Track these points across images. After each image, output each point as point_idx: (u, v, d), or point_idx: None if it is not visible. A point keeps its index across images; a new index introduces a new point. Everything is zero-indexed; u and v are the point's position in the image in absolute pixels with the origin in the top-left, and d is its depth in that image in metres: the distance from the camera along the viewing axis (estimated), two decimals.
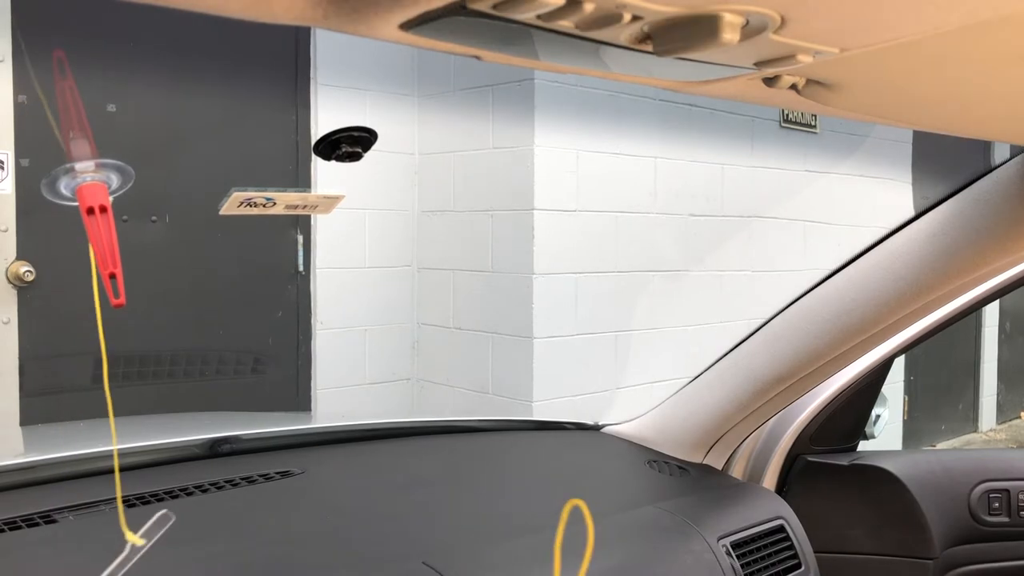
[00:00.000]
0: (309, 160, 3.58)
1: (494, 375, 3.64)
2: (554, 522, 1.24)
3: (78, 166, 0.67)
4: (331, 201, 0.90)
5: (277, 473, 1.27)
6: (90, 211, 0.67)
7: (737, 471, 1.59)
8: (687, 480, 1.49)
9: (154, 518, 0.74)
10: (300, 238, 3.61)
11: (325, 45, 3.54)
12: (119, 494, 0.76)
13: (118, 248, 0.67)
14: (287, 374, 3.64)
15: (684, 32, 0.43)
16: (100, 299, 0.67)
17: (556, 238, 3.51)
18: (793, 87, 0.55)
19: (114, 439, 0.79)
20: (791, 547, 1.39)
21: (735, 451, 1.58)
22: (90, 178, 0.67)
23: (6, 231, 2.94)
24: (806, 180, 4.50)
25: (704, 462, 1.57)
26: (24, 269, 2.96)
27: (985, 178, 1.14)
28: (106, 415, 0.73)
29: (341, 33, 0.43)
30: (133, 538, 0.70)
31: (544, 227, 3.47)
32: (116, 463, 0.78)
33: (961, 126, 0.79)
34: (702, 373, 1.55)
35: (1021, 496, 1.61)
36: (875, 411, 1.70)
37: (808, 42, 0.46)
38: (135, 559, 0.71)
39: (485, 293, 3.65)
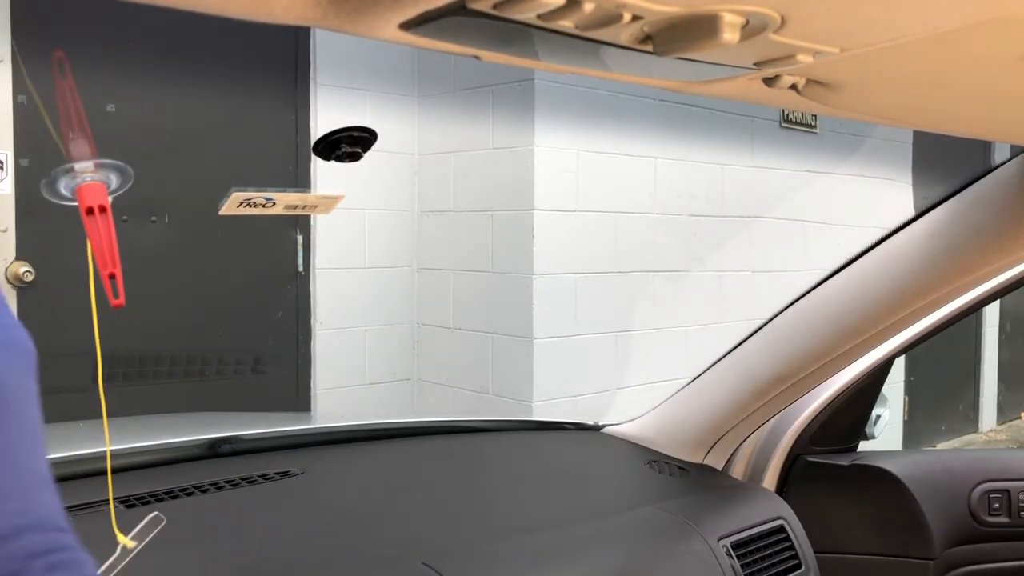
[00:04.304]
0: (309, 160, 3.58)
1: (494, 375, 3.64)
2: (554, 522, 1.24)
3: (78, 166, 0.67)
4: (331, 201, 0.90)
5: (277, 473, 1.27)
6: (90, 211, 0.67)
7: (737, 471, 1.59)
8: (687, 480, 1.49)
9: (145, 520, 0.74)
10: (300, 238, 3.61)
11: (325, 45, 3.54)
12: (111, 496, 0.77)
13: (118, 248, 0.67)
14: (287, 374, 3.63)
15: (684, 32, 0.43)
16: (97, 299, 0.67)
17: (556, 238, 3.51)
18: (793, 87, 0.55)
19: (107, 440, 0.79)
20: (791, 547, 1.39)
21: (735, 451, 1.58)
22: (90, 178, 0.67)
23: (6, 231, 2.94)
24: (806, 180, 4.50)
25: (704, 462, 1.56)
26: (24, 269, 2.96)
27: (985, 178, 1.14)
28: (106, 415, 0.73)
29: (341, 33, 0.43)
30: (124, 540, 0.71)
31: (544, 227, 3.47)
32: (108, 464, 0.78)
33: (961, 126, 0.79)
34: (702, 373, 1.55)
35: (1021, 496, 1.61)
36: (875, 411, 1.70)
37: (808, 42, 0.46)
38: (127, 560, 0.71)
39: (485, 293, 3.64)
